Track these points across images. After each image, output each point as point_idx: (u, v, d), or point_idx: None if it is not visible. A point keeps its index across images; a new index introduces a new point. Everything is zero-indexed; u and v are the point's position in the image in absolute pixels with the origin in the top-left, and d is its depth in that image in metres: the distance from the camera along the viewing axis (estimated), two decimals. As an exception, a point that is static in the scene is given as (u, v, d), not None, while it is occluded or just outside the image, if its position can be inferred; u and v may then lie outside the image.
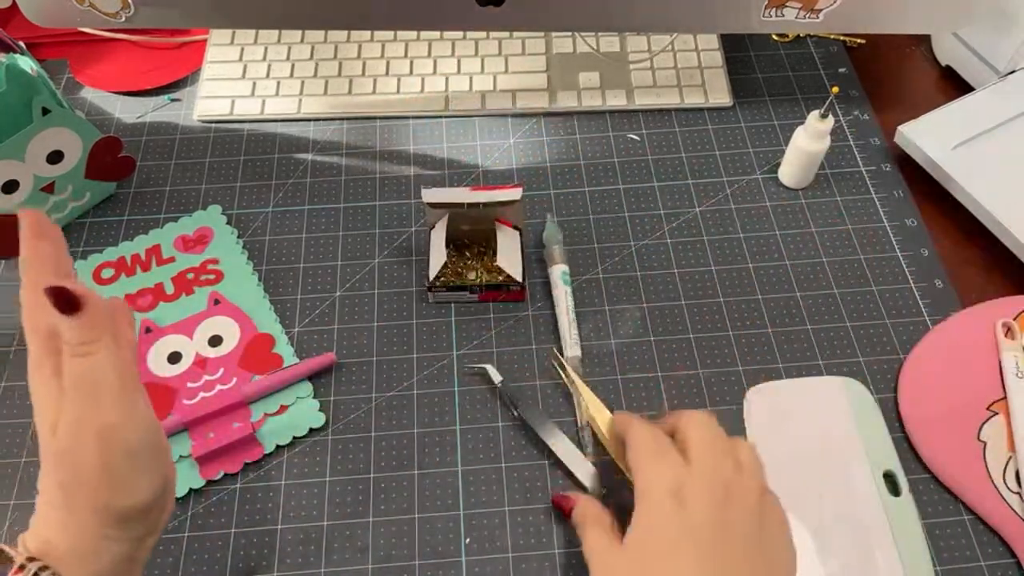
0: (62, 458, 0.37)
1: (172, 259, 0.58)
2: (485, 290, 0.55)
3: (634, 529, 0.40)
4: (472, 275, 0.55)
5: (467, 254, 0.57)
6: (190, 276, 0.57)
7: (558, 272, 0.56)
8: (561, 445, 0.50)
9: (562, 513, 0.47)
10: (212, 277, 0.57)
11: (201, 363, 0.53)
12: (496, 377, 0.52)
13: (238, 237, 0.60)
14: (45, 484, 0.38)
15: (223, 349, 0.54)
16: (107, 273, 0.57)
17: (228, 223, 0.60)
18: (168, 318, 0.55)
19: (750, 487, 0.40)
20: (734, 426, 0.51)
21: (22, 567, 0.35)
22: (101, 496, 0.37)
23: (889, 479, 0.48)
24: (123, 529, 0.37)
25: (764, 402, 0.52)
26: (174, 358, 0.54)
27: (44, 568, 0.35)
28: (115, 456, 0.37)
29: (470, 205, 0.54)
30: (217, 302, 0.56)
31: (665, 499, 0.39)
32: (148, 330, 0.55)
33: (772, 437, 0.50)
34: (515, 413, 0.51)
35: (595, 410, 0.49)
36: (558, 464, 0.50)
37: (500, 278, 0.55)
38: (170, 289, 0.57)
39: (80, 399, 0.37)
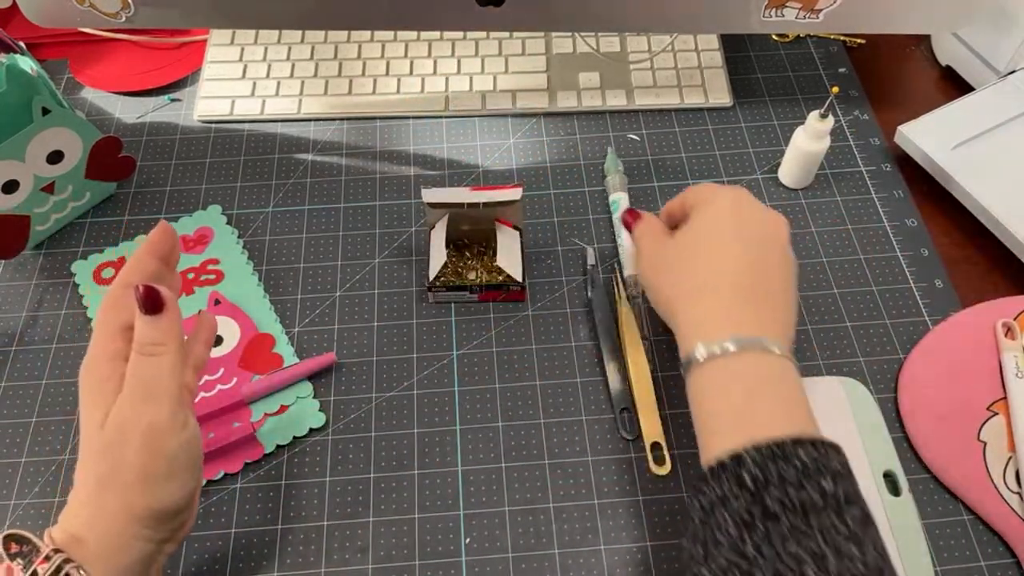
0: (105, 452, 0.38)
1: (172, 259, 0.58)
2: (485, 290, 0.55)
3: (689, 224, 0.47)
4: (472, 275, 0.55)
5: (467, 254, 0.57)
6: (190, 276, 0.57)
7: (613, 199, 0.60)
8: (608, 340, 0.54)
9: (627, 227, 0.52)
10: (212, 277, 0.57)
11: (201, 363, 0.53)
12: (591, 259, 0.58)
13: (238, 237, 0.60)
14: (81, 478, 0.39)
15: (223, 349, 0.54)
16: (107, 273, 0.57)
17: (228, 223, 0.60)
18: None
19: (782, 228, 0.48)
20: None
21: (47, 558, 0.36)
22: (135, 494, 0.38)
23: (889, 479, 0.48)
24: (150, 529, 0.39)
25: None
26: (174, 358, 0.54)
27: (68, 560, 0.36)
28: (155, 457, 0.38)
29: (470, 205, 0.54)
30: (217, 302, 0.56)
31: (727, 205, 0.47)
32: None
33: None
34: (588, 295, 0.56)
35: (631, 342, 0.53)
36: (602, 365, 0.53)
37: (500, 278, 0.55)
38: (170, 289, 0.57)
39: (136, 396, 0.38)
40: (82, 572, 0.37)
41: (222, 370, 0.53)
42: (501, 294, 0.56)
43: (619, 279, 0.56)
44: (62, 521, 0.39)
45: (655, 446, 0.50)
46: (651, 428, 0.51)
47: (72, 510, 0.39)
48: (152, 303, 0.39)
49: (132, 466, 0.38)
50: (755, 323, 0.42)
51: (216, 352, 0.54)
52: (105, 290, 0.56)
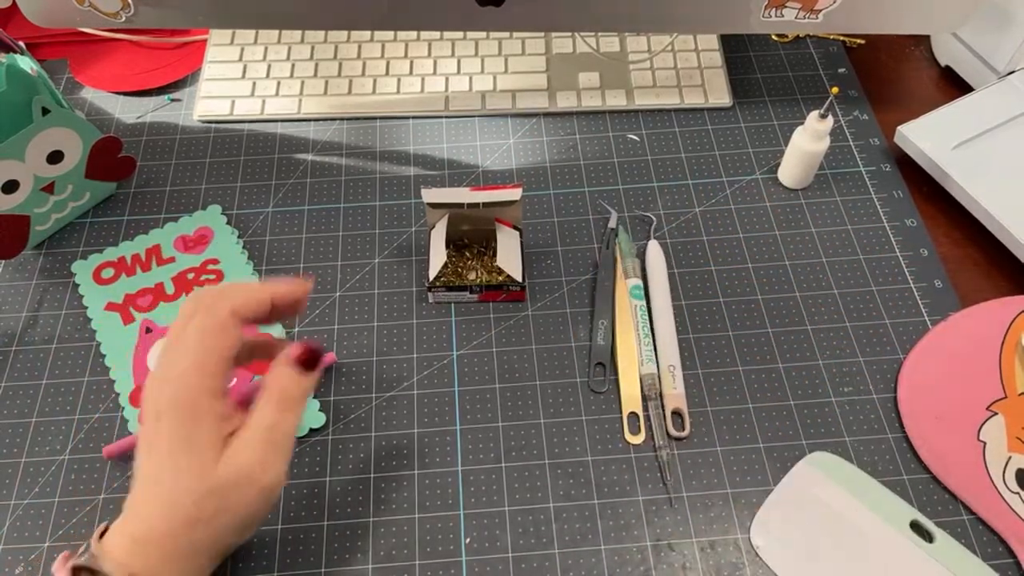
0: (213, 494, 0.37)
1: (172, 259, 0.58)
2: (485, 290, 0.55)
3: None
4: (472, 275, 0.55)
5: (467, 254, 0.57)
6: (190, 276, 0.57)
7: (632, 287, 0.56)
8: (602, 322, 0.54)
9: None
10: (212, 277, 0.57)
11: (201, 363, 0.53)
12: (612, 223, 0.58)
13: (238, 237, 0.60)
14: (163, 505, 0.37)
15: (223, 349, 0.54)
16: (107, 273, 0.57)
17: (228, 223, 0.60)
18: (168, 318, 0.55)
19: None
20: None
21: None
22: (228, 535, 0.39)
23: (917, 528, 0.47)
24: (218, 560, 0.40)
25: (767, 531, 0.48)
26: (174, 358, 0.54)
27: None
28: (260, 512, 0.39)
29: (470, 205, 0.53)
30: (217, 302, 0.56)
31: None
32: (148, 330, 0.55)
33: (793, 556, 0.47)
34: (598, 254, 0.57)
35: (623, 318, 0.54)
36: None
37: (500, 278, 0.55)
38: (170, 289, 0.57)
39: (268, 451, 0.38)
40: None
41: (222, 370, 0.53)
42: (501, 294, 0.56)
43: (621, 255, 0.57)
44: (130, 544, 0.37)
45: (631, 415, 0.51)
46: (630, 397, 0.52)
47: (141, 532, 0.37)
48: (312, 362, 0.40)
49: (238, 514, 0.38)
50: None
51: (216, 352, 0.54)
52: (105, 290, 0.56)
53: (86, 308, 0.56)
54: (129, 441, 0.50)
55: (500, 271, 0.55)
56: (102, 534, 0.39)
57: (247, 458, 0.38)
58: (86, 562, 0.37)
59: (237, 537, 0.40)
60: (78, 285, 0.57)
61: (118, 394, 0.52)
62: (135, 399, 0.52)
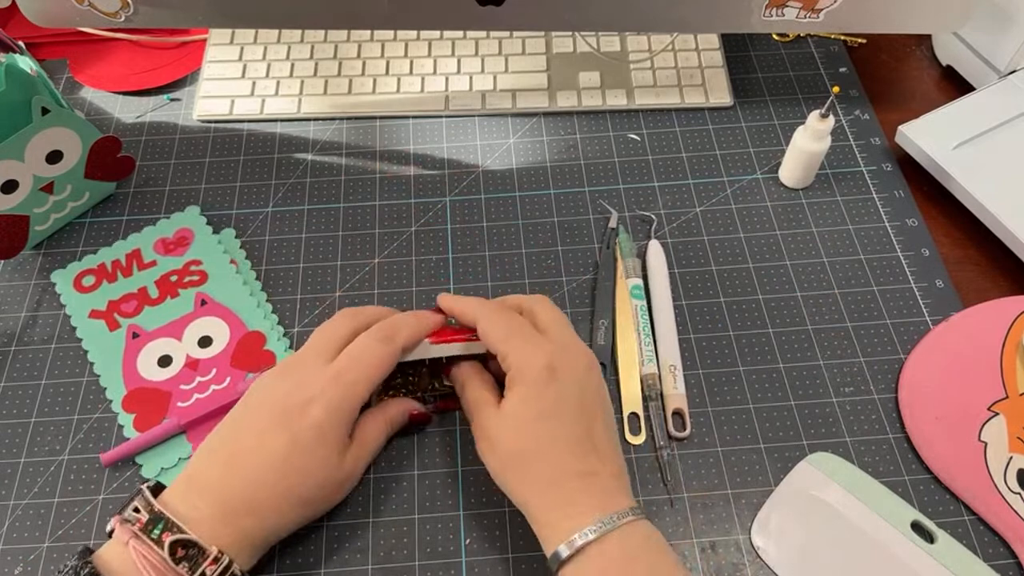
0: (336, 484, 0.45)
1: (153, 263, 0.58)
2: (440, 400, 0.51)
3: (514, 396, 0.43)
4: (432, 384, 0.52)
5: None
6: (173, 279, 0.57)
7: (632, 286, 0.56)
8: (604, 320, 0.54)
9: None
10: (196, 278, 0.57)
11: (193, 364, 0.53)
12: (613, 223, 0.59)
13: (235, 236, 0.59)
14: (274, 488, 0.42)
15: (214, 349, 0.54)
16: (88, 281, 0.57)
17: (208, 223, 0.60)
18: (155, 322, 0.55)
19: (587, 357, 0.46)
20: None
21: (216, 559, 0.40)
22: (295, 524, 0.45)
23: (918, 528, 0.47)
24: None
25: (768, 531, 0.48)
26: (164, 361, 0.53)
27: (232, 562, 0.41)
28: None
29: (432, 361, 0.49)
30: (204, 303, 0.56)
31: (543, 373, 0.43)
32: (135, 335, 0.54)
33: (794, 556, 0.47)
34: (599, 255, 0.57)
35: (623, 319, 0.54)
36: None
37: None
38: (154, 293, 0.56)
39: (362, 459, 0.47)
40: (238, 573, 0.41)
41: (214, 370, 0.53)
42: (457, 404, 0.50)
43: (621, 255, 0.57)
44: (220, 512, 0.41)
45: (632, 416, 0.51)
46: (630, 397, 0.51)
47: (241, 501, 0.42)
48: (411, 425, 0.50)
49: (329, 502, 0.45)
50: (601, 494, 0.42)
51: (207, 353, 0.54)
52: (87, 298, 0.56)
53: (70, 317, 0.55)
54: (127, 447, 0.49)
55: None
56: (154, 493, 0.42)
57: (363, 463, 0.46)
58: (180, 534, 0.40)
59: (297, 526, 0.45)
60: (59, 295, 0.56)
61: (111, 400, 0.52)
62: (127, 404, 0.52)
